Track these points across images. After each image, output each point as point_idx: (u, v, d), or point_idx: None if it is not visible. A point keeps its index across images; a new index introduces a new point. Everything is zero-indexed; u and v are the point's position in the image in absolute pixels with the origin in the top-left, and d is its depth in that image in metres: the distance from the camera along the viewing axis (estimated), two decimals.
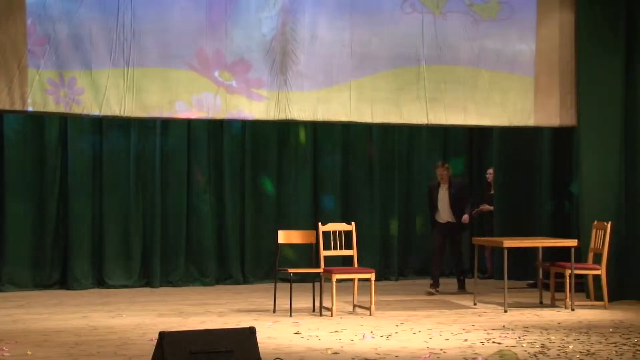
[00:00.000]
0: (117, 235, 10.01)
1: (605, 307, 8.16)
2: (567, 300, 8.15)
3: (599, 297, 8.36)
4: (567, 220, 9.81)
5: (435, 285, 9.44)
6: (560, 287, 8.47)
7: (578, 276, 8.39)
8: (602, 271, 8.23)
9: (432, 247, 9.72)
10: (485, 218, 11.07)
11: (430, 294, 9.34)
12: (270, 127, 10.41)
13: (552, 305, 8.37)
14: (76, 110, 8.15)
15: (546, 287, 8.82)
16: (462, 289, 9.54)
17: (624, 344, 6.31)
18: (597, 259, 8.36)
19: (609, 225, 8.27)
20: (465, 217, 9.65)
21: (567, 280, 8.17)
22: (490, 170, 11.17)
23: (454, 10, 8.99)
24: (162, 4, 8.35)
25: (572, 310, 8.07)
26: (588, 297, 8.58)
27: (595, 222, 8.52)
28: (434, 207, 9.69)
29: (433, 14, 8.93)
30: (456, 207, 9.56)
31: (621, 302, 8.59)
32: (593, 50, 9.03)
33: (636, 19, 8.99)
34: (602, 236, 8.28)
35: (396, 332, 6.84)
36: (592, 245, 8.48)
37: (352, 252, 8.28)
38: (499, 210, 10.95)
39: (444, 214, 9.60)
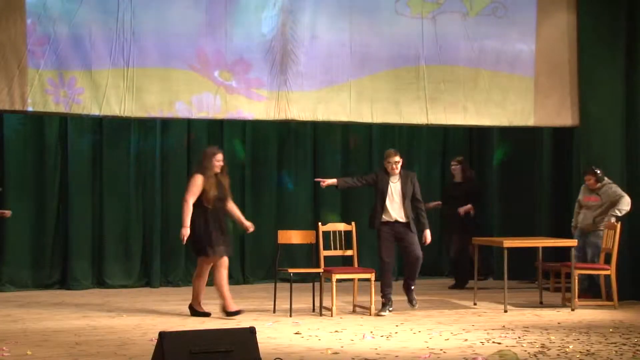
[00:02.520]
0: (117, 235, 10.01)
1: (615, 307, 8.16)
2: (575, 300, 8.14)
3: (597, 297, 8.37)
4: (568, 220, 9.80)
5: (388, 304, 7.89)
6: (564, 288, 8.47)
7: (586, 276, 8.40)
8: (612, 271, 8.22)
9: (380, 254, 7.93)
10: (467, 217, 10.17)
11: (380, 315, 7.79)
12: (270, 127, 10.41)
13: (563, 305, 8.31)
14: (76, 110, 8.16)
15: (546, 287, 8.85)
16: (413, 303, 7.97)
17: (624, 344, 6.31)
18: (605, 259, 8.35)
19: (618, 225, 8.26)
20: (427, 237, 8.02)
21: (574, 280, 8.13)
22: (454, 162, 10.31)
23: (453, 10, 8.99)
24: (162, 4, 8.36)
25: (573, 310, 8.07)
26: (595, 297, 8.52)
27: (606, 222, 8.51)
28: (382, 202, 7.97)
29: (432, 14, 8.93)
30: (407, 205, 7.96)
31: (623, 302, 8.58)
32: (593, 50, 9.03)
33: (637, 18, 8.99)
34: (612, 236, 8.28)
35: (396, 332, 6.84)
36: (602, 245, 8.46)
37: (352, 252, 8.28)
38: (499, 210, 10.94)
39: (394, 211, 7.94)
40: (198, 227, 7.50)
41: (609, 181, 8.54)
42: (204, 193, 7.51)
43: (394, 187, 7.97)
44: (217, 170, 7.64)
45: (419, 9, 8.91)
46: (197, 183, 7.54)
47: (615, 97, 9.03)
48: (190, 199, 7.51)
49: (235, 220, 7.92)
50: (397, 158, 7.98)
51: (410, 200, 7.96)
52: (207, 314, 7.62)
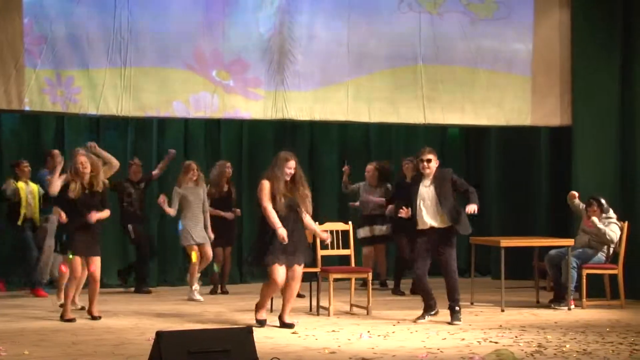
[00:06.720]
0: (114, 235, 9.99)
1: (622, 307, 8.17)
2: (584, 300, 8.16)
3: (595, 296, 8.38)
4: (566, 220, 9.80)
5: (428, 311, 7.41)
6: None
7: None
8: (619, 271, 8.24)
9: (415, 265, 7.36)
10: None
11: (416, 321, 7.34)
12: (268, 126, 10.41)
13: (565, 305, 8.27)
14: (73, 109, 8.18)
15: (543, 287, 8.85)
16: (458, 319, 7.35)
17: (621, 343, 6.32)
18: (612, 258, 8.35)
19: (625, 224, 8.27)
20: (469, 208, 7.19)
21: (584, 280, 8.14)
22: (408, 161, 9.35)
23: (451, 10, 9.01)
24: (160, 4, 8.37)
25: (569, 309, 8.09)
26: (598, 296, 8.51)
27: None
28: (414, 208, 7.27)
29: (430, 14, 8.95)
30: (446, 208, 7.22)
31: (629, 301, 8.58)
32: (589, 49, 9.06)
33: (632, 18, 9.01)
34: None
35: (393, 332, 6.84)
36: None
37: (349, 252, 8.27)
38: (497, 209, 10.94)
39: (429, 216, 7.26)
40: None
41: (612, 216, 8.32)
42: (272, 199, 6.96)
43: (426, 190, 7.25)
44: (287, 177, 6.98)
45: (417, 9, 8.92)
46: (265, 188, 6.98)
47: (611, 96, 9.05)
48: (267, 203, 6.93)
49: (312, 232, 7.42)
50: (430, 156, 7.29)
51: (451, 200, 7.20)
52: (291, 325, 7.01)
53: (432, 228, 7.25)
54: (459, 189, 7.28)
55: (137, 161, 9.46)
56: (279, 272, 6.98)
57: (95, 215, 7.31)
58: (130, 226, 9.33)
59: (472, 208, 7.17)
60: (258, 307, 7.21)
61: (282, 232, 6.90)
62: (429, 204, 7.24)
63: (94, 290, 7.40)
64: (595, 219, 8.20)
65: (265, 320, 7.15)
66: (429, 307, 7.42)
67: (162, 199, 8.83)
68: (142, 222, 9.50)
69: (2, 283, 9.19)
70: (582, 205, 8.50)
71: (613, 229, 8.22)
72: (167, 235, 10.20)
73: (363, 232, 9.67)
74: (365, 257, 9.67)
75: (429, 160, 7.29)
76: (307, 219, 7.16)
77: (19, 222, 8.88)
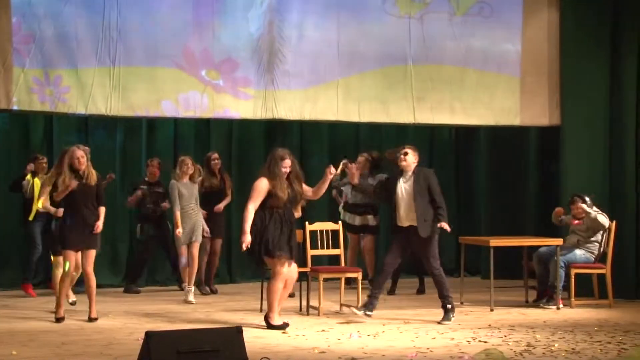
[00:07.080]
0: (103, 235, 9.91)
1: (610, 306, 8.19)
2: (572, 299, 8.18)
3: (584, 296, 8.41)
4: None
5: (369, 305, 7.30)
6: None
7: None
8: (607, 270, 8.27)
9: (385, 263, 7.37)
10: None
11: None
12: (258, 126, 10.40)
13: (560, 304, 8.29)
14: (62, 109, 8.14)
15: (532, 286, 8.86)
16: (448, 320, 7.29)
17: (609, 343, 6.35)
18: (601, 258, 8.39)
19: (613, 224, 8.30)
20: (443, 225, 7.17)
21: (573, 280, 8.17)
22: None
23: (440, 10, 9.02)
24: (149, 3, 8.35)
25: (558, 309, 8.12)
26: (587, 296, 8.53)
27: None
28: (393, 205, 7.29)
29: (420, 14, 8.96)
30: (422, 207, 7.14)
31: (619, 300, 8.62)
32: (578, 49, 9.09)
33: (621, 17, 9.04)
34: (606, 235, 8.32)
35: (383, 331, 6.85)
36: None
37: (339, 252, 8.28)
38: (486, 209, 10.96)
39: (405, 214, 7.23)
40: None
41: (597, 210, 8.35)
42: (273, 196, 6.84)
43: (404, 186, 7.22)
44: (284, 176, 6.91)
45: (407, 9, 8.94)
46: (262, 187, 6.86)
47: (600, 96, 9.07)
48: (252, 205, 6.85)
49: (323, 186, 7.10)
50: (407, 149, 7.31)
51: (426, 199, 7.14)
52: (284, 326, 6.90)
53: (411, 226, 7.21)
54: (430, 194, 7.20)
55: (155, 162, 9.38)
56: (286, 265, 6.92)
57: (100, 225, 7.35)
58: (139, 225, 9.36)
59: (443, 225, 7.14)
60: (270, 312, 6.92)
61: (247, 238, 6.79)
62: (405, 201, 7.23)
63: (90, 287, 7.30)
64: (584, 205, 8.24)
65: (284, 323, 6.92)
66: (370, 304, 7.26)
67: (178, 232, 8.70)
68: (154, 223, 9.41)
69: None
70: (564, 217, 8.57)
71: (601, 217, 8.27)
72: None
73: (349, 219, 9.50)
74: (351, 241, 9.47)
75: (405, 153, 7.30)
76: (310, 190, 7.07)
77: (30, 218, 8.87)
